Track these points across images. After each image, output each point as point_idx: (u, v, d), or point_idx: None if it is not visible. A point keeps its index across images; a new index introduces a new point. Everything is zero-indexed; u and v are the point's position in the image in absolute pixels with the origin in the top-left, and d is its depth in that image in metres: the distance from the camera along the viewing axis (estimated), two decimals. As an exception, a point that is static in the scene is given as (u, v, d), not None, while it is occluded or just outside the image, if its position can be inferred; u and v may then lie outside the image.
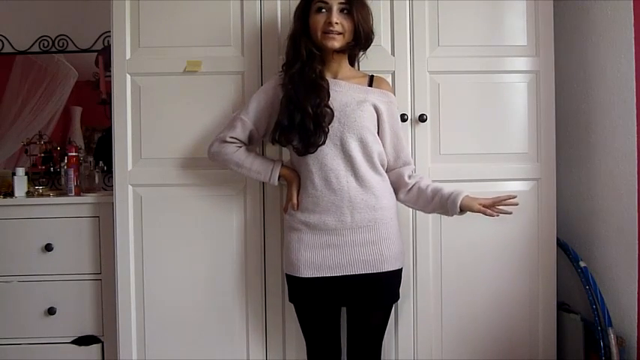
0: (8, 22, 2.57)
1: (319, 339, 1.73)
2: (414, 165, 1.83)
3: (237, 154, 1.77)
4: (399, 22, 1.96)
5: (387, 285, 1.69)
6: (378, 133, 1.71)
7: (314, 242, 1.66)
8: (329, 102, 1.64)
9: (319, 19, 1.64)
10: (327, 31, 1.62)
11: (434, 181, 1.96)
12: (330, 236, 1.65)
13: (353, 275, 1.65)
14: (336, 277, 1.65)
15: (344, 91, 1.68)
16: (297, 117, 1.62)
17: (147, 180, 1.98)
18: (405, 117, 1.93)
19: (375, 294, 1.67)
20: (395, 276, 1.70)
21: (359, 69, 1.86)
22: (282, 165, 1.77)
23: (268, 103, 1.74)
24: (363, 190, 1.65)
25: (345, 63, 1.75)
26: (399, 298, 1.75)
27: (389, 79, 1.91)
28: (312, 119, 1.61)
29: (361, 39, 1.67)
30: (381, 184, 1.69)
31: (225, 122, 1.95)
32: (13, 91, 2.57)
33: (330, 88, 1.66)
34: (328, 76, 1.70)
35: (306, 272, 1.66)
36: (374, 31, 1.73)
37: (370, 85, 1.75)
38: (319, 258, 1.65)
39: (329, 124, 1.62)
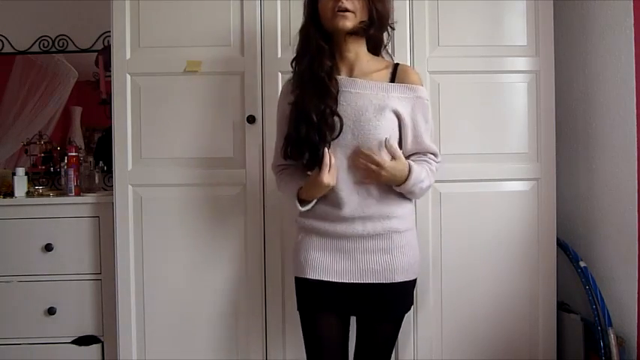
0: (8, 22, 2.57)
1: (324, 354, 1.57)
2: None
3: (279, 186, 1.68)
4: (399, 22, 1.95)
5: (398, 296, 1.57)
6: (400, 137, 1.55)
7: (323, 245, 1.55)
8: (341, 106, 1.49)
9: (328, 1, 1.48)
10: (337, 10, 1.45)
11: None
12: (341, 241, 1.54)
13: (361, 284, 1.53)
14: (344, 283, 1.53)
15: (361, 93, 1.50)
16: (303, 129, 1.47)
17: (147, 180, 1.98)
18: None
19: (385, 305, 1.55)
20: (407, 287, 1.58)
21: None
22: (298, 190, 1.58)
23: (285, 115, 1.58)
24: (376, 201, 1.52)
25: (363, 51, 1.57)
26: (410, 308, 1.63)
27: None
28: (316, 130, 1.46)
29: (374, 17, 1.49)
30: (392, 194, 1.55)
31: (223, 123, 1.96)
32: (13, 91, 2.57)
33: (345, 88, 1.50)
34: (343, 72, 1.54)
35: (313, 274, 1.54)
36: (390, 9, 1.57)
37: (393, 78, 1.56)
38: (327, 261, 1.54)
39: (336, 137, 1.47)
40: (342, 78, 1.52)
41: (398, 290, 1.55)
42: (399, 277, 1.54)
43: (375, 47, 1.62)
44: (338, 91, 1.49)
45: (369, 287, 1.53)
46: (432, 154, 1.60)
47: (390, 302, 1.56)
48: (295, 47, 1.57)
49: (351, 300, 1.55)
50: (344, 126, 1.48)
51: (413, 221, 1.62)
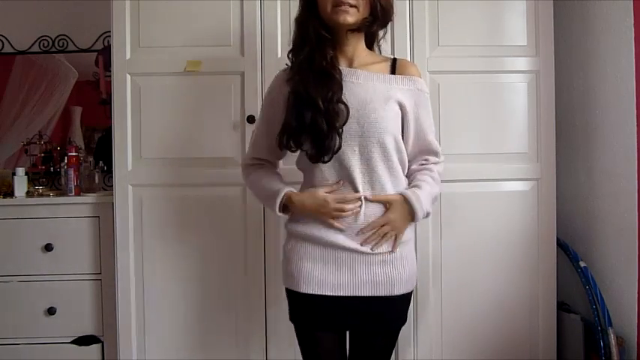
0: (8, 22, 2.57)
1: None
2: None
3: (250, 178, 1.57)
4: (399, 22, 1.95)
5: (396, 310, 1.48)
6: (402, 132, 1.47)
7: (317, 254, 1.43)
8: (344, 97, 1.38)
9: None
10: (337, 4, 1.36)
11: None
12: (337, 251, 1.42)
13: (359, 297, 1.42)
14: (340, 297, 1.42)
15: (363, 83, 1.42)
16: (308, 115, 1.36)
17: (147, 180, 1.98)
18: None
19: (382, 319, 1.45)
20: (405, 300, 1.49)
21: (380, 53, 1.60)
22: (288, 192, 1.48)
23: (279, 107, 1.46)
24: (379, 207, 1.41)
25: (362, 46, 1.49)
26: (405, 321, 1.52)
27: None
28: (324, 117, 1.35)
29: (377, 13, 1.40)
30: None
31: (223, 123, 1.95)
32: (13, 91, 2.57)
33: (346, 79, 1.41)
34: (343, 64, 1.45)
35: (306, 288, 1.42)
36: (393, 5, 1.48)
37: (393, 71, 1.48)
38: (322, 273, 1.42)
39: (343, 124, 1.37)
40: (343, 69, 1.44)
41: (397, 303, 1.46)
42: (399, 290, 1.44)
43: (372, 42, 1.55)
44: (342, 77, 1.41)
45: (367, 301, 1.42)
46: (434, 154, 1.53)
47: (388, 316, 1.46)
48: (292, 38, 1.48)
49: (348, 314, 1.44)
50: (349, 115, 1.39)
51: (412, 231, 1.53)
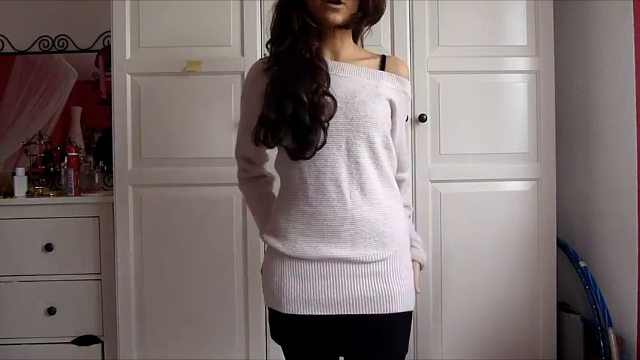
0: (8, 22, 2.57)
1: None
2: (413, 166, 1.67)
3: (243, 189, 1.46)
4: (399, 22, 1.96)
5: (396, 332, 1.27)
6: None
7: (301, 269, 1.25)
8: (330, 90, 1.23)
9: None
10: (327, 1, 1.22)
11: (432, 181, 1.97)
12: (322, 263, 1.24)
13: (350, 316, 1.23)
14: (329, 316, 1.23)
15: (350, 77, 1.27)
16: (288, 108, 1.21)
17: (147, 180, 1.98)
18: (406, 117, 1.91)
19: (380, 343, 1.25)
20: (405, 321, 1.28)
21: (362, 46, 1.44)
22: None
23: (256, 101, 1.29)
24: (370, 208, 1.23)
25: (349, 40, 1.34)
26: (407, 350, 1.31)
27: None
28: (307, 110, 1.20)
29: (369, 10, 1.26)
30: (393, 201, 1.28)
31: (223, 123, 1.95)
32: (13, 91, 2.57)
33: (332, 72, 1.26)
34: (328, 58, 1.29)
35: (290, 308, 1.24)
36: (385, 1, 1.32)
37: (382, 67, 1.34)
38: (308, 290, 1.24)
39: (330, 118, 1.21)
40: (329, 62, 1.28)
41: (395, 324, 1.26)
42: (398, 307, 1.24)
43: (356, 37, 1.41)
44: (328, 69, 1.26)
45: (360, 320, 1.23)
46: (405, 168, 1.40)
47: (386, 338, 1.26)
48: (269, 27, 1.31)
49: (339, 336, 1.25)
50: (336, 107, 1.23)
51: (408, 238, 1.34)
